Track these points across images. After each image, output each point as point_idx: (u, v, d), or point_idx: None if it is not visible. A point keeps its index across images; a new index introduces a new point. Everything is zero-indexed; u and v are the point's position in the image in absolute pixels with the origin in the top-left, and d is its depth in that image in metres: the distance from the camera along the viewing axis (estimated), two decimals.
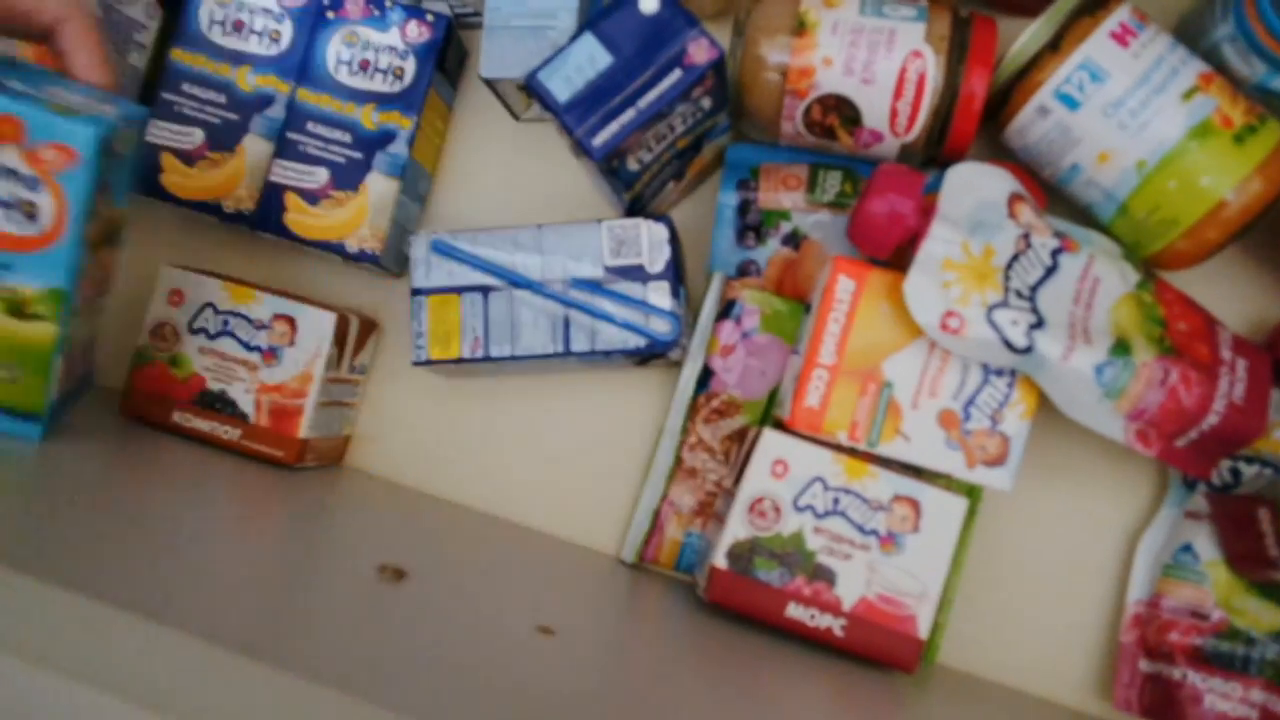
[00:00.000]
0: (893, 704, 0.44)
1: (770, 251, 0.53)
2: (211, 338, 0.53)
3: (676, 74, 0.42)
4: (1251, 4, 0.44)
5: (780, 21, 0.49)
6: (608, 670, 0.37)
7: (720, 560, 0.46)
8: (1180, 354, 0.45)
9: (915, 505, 0.46)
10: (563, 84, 0.43)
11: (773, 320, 0.53)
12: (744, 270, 0.54)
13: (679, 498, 0.53)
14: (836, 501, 0.46)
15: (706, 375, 0.53)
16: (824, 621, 0.45)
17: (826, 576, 0.46)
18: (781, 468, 0.46)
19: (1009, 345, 0.44)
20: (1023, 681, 0.52)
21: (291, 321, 0.53)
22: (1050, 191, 0.52)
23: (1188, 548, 0.49)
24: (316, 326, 0.53)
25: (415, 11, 0.55)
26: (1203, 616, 0.48)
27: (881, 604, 0.45)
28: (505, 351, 0.52)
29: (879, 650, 0.45)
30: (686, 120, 0.46)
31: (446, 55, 0.56)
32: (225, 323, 0.53)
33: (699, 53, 0.42)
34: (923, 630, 0.45)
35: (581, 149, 0.43)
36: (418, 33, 0.55)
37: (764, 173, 0.54)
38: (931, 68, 0.47)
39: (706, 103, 0.45)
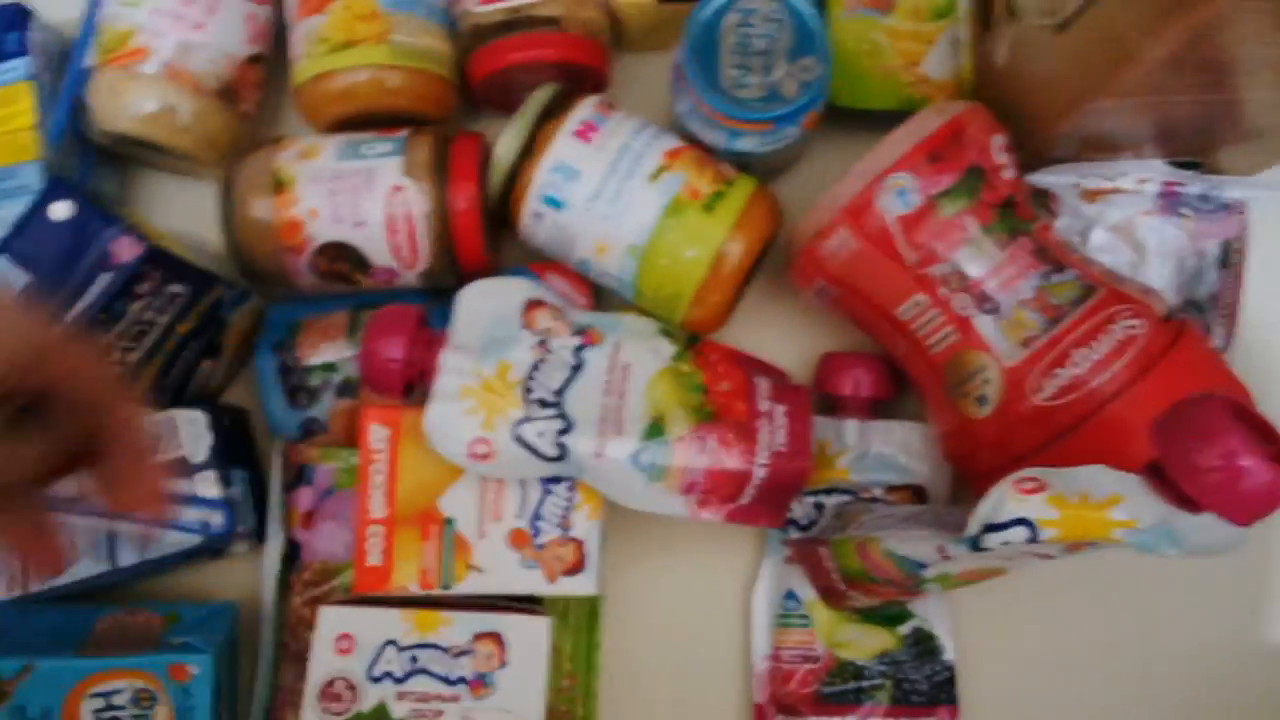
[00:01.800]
0: None
1: (328, 406, 0.51)
2: None
3: (106, 277, 0.39)
4: (690, 84, 0.46)
5: (260, 180, 0.47)
6: None
7: None
8: (718, 418, 0.46)
9: (498, 639, 0.44)
10: None
11: (350, 474, 0.50)
12: (310, 430, 0.51)
13: (294, 685, 0.49)
14: (414, 660, 0.44)
15: (294, 549, 0.50)
16: None
17: None
18: (347, 642, 0.43)
19: (540, 456, 0.44)
20: None
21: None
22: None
23: (791, 594, 0.50)
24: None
25: None
26: (814, 659, 0.49)
27: None
28: (46, 584, 0.47)
29: None
30: (163, 310, 0.43)
31: None
32: None
33: (123, 250, 0.40)
34: None
35: None
36: None
37: (304, 328, 0.51)
38: (415, 198, 0.47)
39: (176, 288, 0.43)
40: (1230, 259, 0.50)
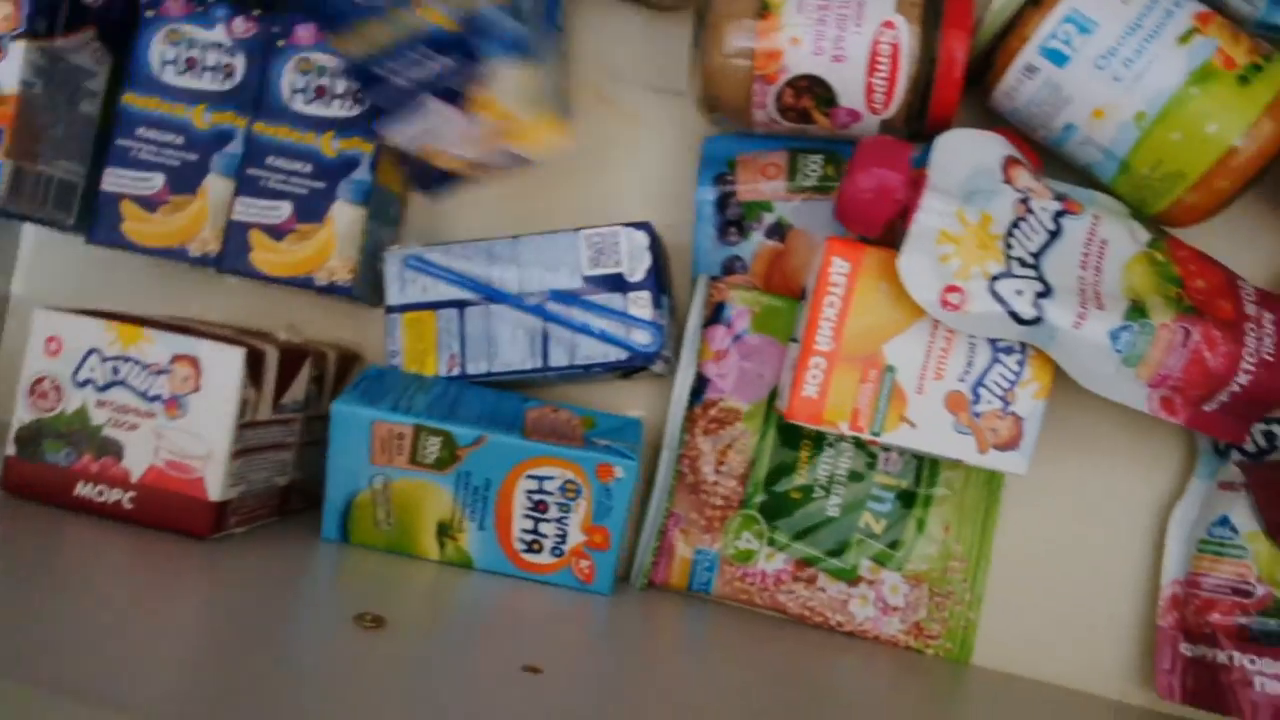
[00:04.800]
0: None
1: (755, 246, 0.49)
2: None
3: None
4: None
5: (742, 5, 0.44)
6: (607, 702, 0.32)
7: (10, 448, 0.43)
8: (1201, 312, 0.40)
9: (195, 362, 0.42)
10: None
11: (765, 319, 0.48)
12: (729, 268, 0.49)
13: (685, 514, 0.48)
14: (116, 371, 0.42)
15: (701, 384, 0.48)
16: (113, 496, 0.42)
17: (113, 450, 0.42)
18: (56, 345, 0.43)
19: (1015, 317, 0.39)
20: (1060, 675, 0.47)
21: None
22: (1046, 154, 0.47)
23: (1224, 520, 0.44)
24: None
25: None
26: (1246, 593, 0.43)
27: (170, 470, 0.42)
28: (482, 369, 0.47)
29: (171, 517, 0.42)
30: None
31: None
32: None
33: None
34: (213, 492, 0.42)
35: None
36: None
37: (741, 164, 0.49)
38: (905, 37, 0.43)
39: None
40: None
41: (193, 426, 0.41)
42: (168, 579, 0.38)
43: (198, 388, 0.42)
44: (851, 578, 0.47)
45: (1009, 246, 0.40)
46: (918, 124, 0.45)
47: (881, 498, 0.47)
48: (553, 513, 0.44)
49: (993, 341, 0.42)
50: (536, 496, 0.44)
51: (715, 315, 0.48)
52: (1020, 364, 0.42)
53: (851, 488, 0.47)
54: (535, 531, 0.44)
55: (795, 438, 0.48)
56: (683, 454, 0.48)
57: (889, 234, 0.43)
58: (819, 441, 0.47)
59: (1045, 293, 0.39)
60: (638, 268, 0.47)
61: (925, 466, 0.47)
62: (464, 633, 0.35)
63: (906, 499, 0.47)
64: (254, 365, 0.43)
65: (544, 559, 0.44)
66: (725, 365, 0.48)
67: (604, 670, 0.36)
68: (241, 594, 0.37)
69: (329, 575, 0.41)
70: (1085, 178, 0.46)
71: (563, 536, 0.44)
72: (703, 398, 0.48)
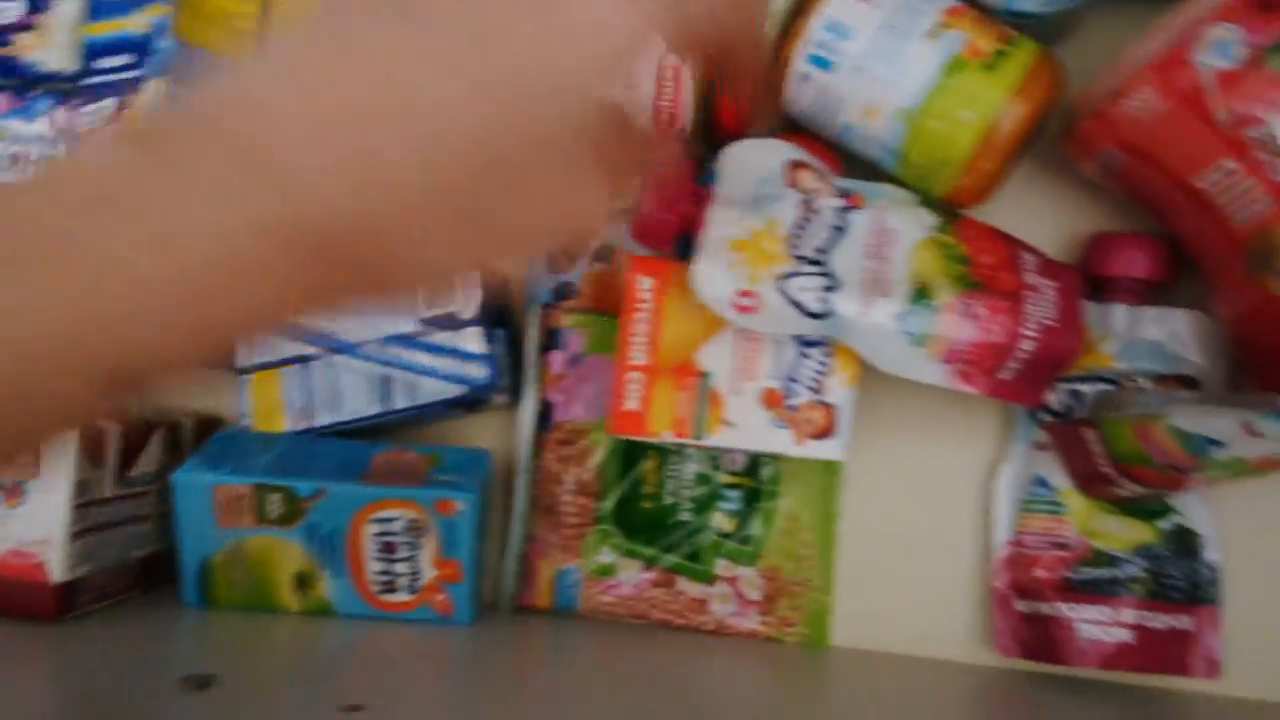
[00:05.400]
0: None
1: (582, 270, 0.50)
2: None
3: None
4: None
5: None
6: None
7: None
8: (983, 287, 0.42)
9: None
10: None
11: (599, 339, 0.49)
12: (562, 294, 0.51)
13: (544, 536, 0.49)
14: None
15: (547, 409, 0.49)
16: None
17: None
18: None
19: (806, 312, 0.41)
20: (914, 646, 0.49)
21: None
22: (843, 153, 0.49)
23: (1041, 480, 0.46)
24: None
25: None
26: (1065, 546, 0.45)
27: (13, 559, 0.42)
28: (329, 419, 0.48)
29: (16, 604, 0.41)
30: None
31: None
32: None
33: None
34: (55, 574, 0.41)
35: None
36: None
37: None
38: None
39: None
40: None
41: (31, 512, 0.42)
42: (13, 667, 0.38)
43: (37, 474, 0.42)
44: (708, 578, 0.48)
45: (795, 247, 0.42)
46: (712, 139, 0.47)
47: (729, 496, 0.49)
48: (402, 552, 0.45)
49: (797, 337, 0.43)
50: (384, 538, 0.45)
51: (551, 341, 0.50)
52: (826, 354, 0.44)
53: (699, 490, 0.49)
54: (388, 572, 0.45)
55: (641, 450, 0.49)
56: (536, 478, 0.49)
57: (684, 249, 0.44)
58: (664, 450, 0.49)
59: (832, 287, 0.41)
60: (469, 305, 0.48)
61: (767, 461, 0.49)
62: (294, 681, 0.36)
63: (752, 495, 0.49)
64: (91, 444, 0.43)
65: (401, 597, 0.45)
66: (566, 388, 0.50)
67: (444, 699, 0.37)
68: (85, 674, 0.37)
69: (180, 643, 0.42)
70: (877, 172, 0.48)
71: (415, 574, 0.45)
72: (551, 422, 0.49)
